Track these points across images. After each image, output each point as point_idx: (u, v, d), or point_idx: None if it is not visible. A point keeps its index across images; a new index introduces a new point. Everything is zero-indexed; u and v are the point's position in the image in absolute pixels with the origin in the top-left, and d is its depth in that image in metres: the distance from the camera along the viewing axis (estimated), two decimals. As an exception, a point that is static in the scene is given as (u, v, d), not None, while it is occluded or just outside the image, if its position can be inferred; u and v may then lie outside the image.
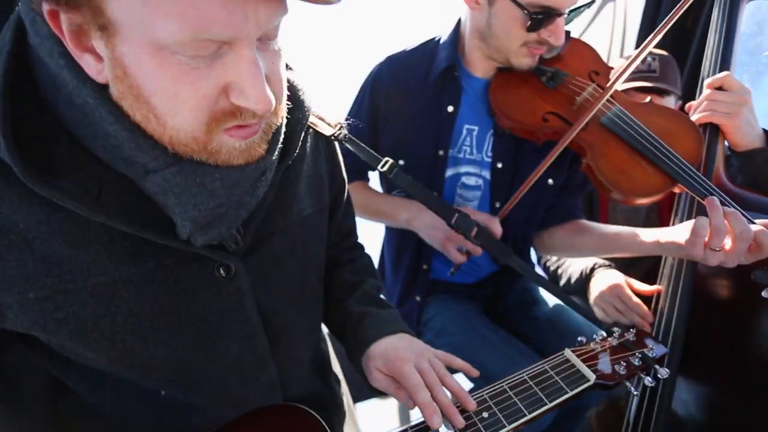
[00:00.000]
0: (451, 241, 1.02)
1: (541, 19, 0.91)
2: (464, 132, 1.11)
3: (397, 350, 0.68)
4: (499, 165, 1.10)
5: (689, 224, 0.84)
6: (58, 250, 0.49)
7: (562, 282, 1.28)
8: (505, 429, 0.61)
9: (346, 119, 1.20)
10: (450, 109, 1.08)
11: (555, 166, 0.99)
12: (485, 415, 0.63)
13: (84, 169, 0.48)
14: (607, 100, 0.98)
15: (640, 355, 0.70)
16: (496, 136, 1.09)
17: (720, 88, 0.97)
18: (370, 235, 1.24)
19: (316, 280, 0.74)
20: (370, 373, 0.70)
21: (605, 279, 1.13)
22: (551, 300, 1.24)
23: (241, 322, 0.61)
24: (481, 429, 0.61)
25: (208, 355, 0.60)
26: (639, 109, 1.00)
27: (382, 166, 0.79)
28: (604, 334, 0.75)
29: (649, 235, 0.95)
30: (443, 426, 0.60)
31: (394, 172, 0.79)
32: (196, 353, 0.59)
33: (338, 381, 0.88)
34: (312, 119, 0.71)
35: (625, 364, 0.69)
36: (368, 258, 0.92)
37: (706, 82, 0.98)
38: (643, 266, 1.16)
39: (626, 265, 1.18)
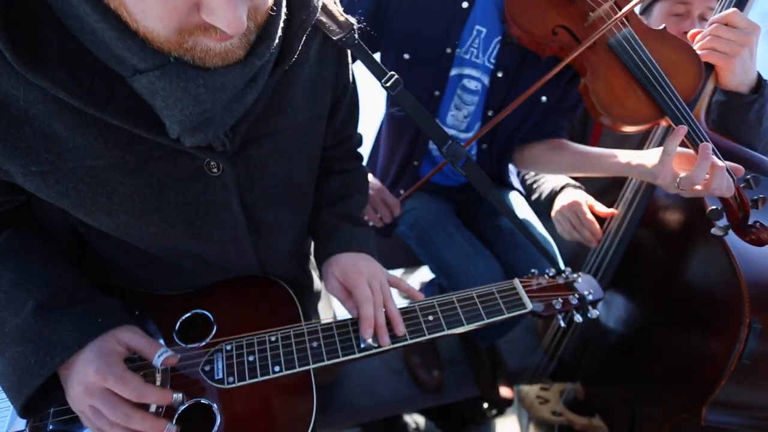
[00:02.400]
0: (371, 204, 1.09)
1: None
2: (474, 32, 1.05)
3: (355, 265, 0.75)
4: (500, 74, 1.07)
5: (659, 151, 0.88)
6: (57, 130, 0.50)
7: (534, 197, 1.35)
8: (444, 332, 0.73)
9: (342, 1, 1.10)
10: (465, 5, 1.01)
11: (551, 84, 0.98)
12: (430, 318, 0.74)
13: (75, 59, 0.47)
14: (620, 22, 0.93)
15: (578, 296, 0.80)
16: (503, 44, 1.04)
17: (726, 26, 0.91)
18: (366, 125, 1.24)
19: (305, 182, 0.77)
20: (327, 278, 0.78)
21: (569, 196, 1.21)
22: (521, 211, 1.32)
23: (225, 214, 0.66)
24: (424, 329, 0.73)
25: (194, 238, 0.66)
26: (650, 35, 0.96)
27: (386, 81, 0.76)
28: (555, 272, 0.84)
29: (622, 156, 0.99)
30: (371, 339, 0.70)
31: (397, 90, 0.77)
32: (183, 236, 0.65)
33: (311, 262, 0.97)
34: (320, 18, 0.66)
35: (562, 301, 0.79)
36: (362, 172, 0.93)
37: (712, 17, 0.93)
38: (610, 198, 1.23)
39: (595, 195, 1.24)
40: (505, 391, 1.58)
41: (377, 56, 1.16)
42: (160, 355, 0.60)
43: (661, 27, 0.98)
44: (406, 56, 1.08)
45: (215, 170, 0.61)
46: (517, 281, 0.80)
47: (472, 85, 1.11)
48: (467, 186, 1.35)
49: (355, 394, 1.55)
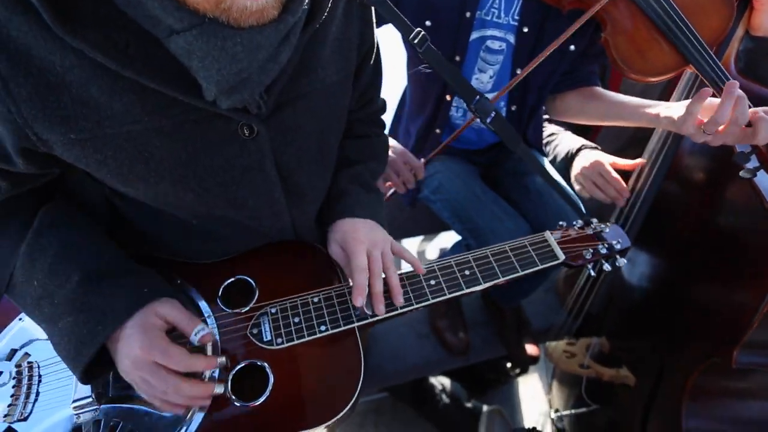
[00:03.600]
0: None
1: None
2: None
3: (357, 231, 0.75)
4: (525, 29, 1.06)
5: (685, 103, 0.87)
6: (95, 96, 0.51)
7: (549, 158, 1.34)
8: (481, 286, 0.75)
9: None
10: None
11: (578, 33, 0.96)
12: (467, 272, 0.76)
13: (110, 20, 0.47)
14: None
15: (607, 245, 0.81)
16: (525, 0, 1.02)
17: None
18: (390, 89, 1.23)
19: (334, 143, 0.78)
20: (329, 243, 0.78)
21: (588, 157, 1.21)
22: (551, 172, 1.31)
23: (261, 178, 0.67)
24: (462, 283, 0.75)
25: (230, 204, 0.67)
26: None
27: (414, 38, 0.76)
28: (582, 223, 0.85)
29: (650, 107, 0.98)
30: (366, 307, 0.70)
31: (424, 47, 0.76)
32: (219, 201, 0.66)
33: None
34: None
35: (592, 251, 0.80)
36: (382, 139, 0.93)
37: None
38: (630, 156, 1.22)
39: (614, 152, 1.24)
40: (531, 349, 1.62)
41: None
42: (197, 333, 0.62)
43: None
44: (428, 23, 1.06)
45: (248, 133, 0.61)
46: (548, 233, 0.81)
47: (495, 45, 1.10)
48: (491, 147, 1.34)
49: (384, 359, 1.60)
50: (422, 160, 1.28)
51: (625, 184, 1.14)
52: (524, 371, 1.85)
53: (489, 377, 1.88)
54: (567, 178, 1.28)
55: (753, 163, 0.86)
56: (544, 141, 1.40)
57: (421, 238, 2.07)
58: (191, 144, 0.59)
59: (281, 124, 0.65)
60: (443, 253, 1.99)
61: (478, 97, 0.82)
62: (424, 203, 1.36)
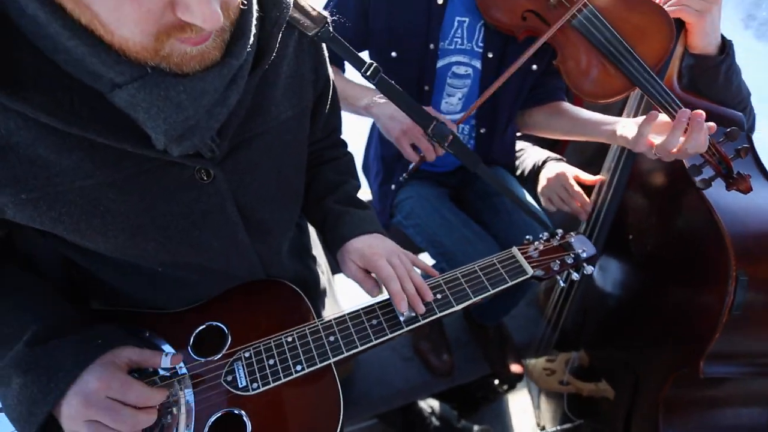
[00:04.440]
0: (407, 135, 1.04)
1: None
2: (455, 24, 1.08)
3: (372, 247, 0.77)
4: (490, 55, 1.10)
5: (640, 119, 0.91)
6: (42, 155, 0.50)
7: (518, 172, 1.38)
8: (454, 308, 0.75)
9: (329, 4, 1.11)
10: (440, 1, 1.04)
11: (538, 54, 1.01)
12: (439, 296, 0.76)
13: (52, 80, 0.47)
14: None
15: (573, 255, 0.83)
16: (487, 27, 1.07)
17: None
18: (358, 126, 1.25)
19: (295, 178, 0.78)
20: (345, 263, 0.80)
21: (553, 169, 1.25)
22: (519, 191, 1.34)
23: (222, 220, 0.66)
24: (435, 307, 0.75)
25: (194, 248, 0.66)
26: (616, 3, 0.97)
27: (366, 71, 0.78)
28: (548, 235, 0.87)
29: (609, 124, 1.02)
30: (407, 311, 0.72)
31: (377, 78, 0.79)
32: (182, 247, 0.65)
33: (315, 260, 0.99)
34: (294, 15, 0.67)
35: (559, 262, 0.82)
36: (351, 157, 0.95)
37: None
38: (598, 167, 1.27)
39: (583, 164, 1.28)
40: (515, 367, 1.62)
41: (365, 54, 1.17)
42: (167, 355, 0.62)
43: None
44: (393, 54, 1.10)
45: (206, 177, 0.61)
46: (515, 249, 0.82)
47: (461, 70, 1.14)
48: (458, 170, 1.37)
49: (369, 386, 1.57)
50: (392, 189, 1.29)
51: (587, 198, 1.18)
52: (512, 387, 1.84)
53: (478, 395, 1.87)
54: (536, 192, 1.31)
55: (708, 172, 0.90)
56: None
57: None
58: (148, 194, 0.58)
59: (238, 165, 0.65)
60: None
61: (434, 122, 0.84)
62: (398, 228, 1.37)
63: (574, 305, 1.32)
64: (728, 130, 0.83)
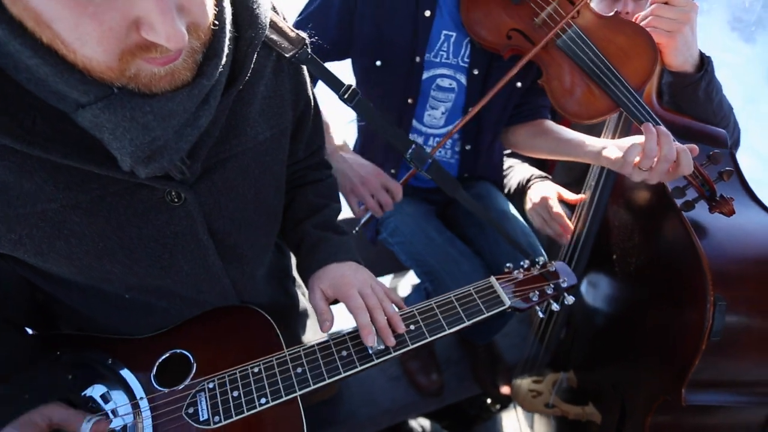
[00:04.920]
0: (354, 194, 1.07)
1: None
2: (442, 37, 1.06)
3: (344, 276, 0.75)
4: (476, 71, 1.09)
5: (625, 141, 0.91)
6: (2, 177, 0.49)
7: (504, 191, 1.36)
8: (427, 340, 0.73)
9: (304, 14, 1.10)
10: (427, 13, 1.02)
11: (523, 71, 0.99)
12: (412, 327, 0.74)
13: (13, 99, 0.46)
14: (566, 21, 0.95)
15: (553, 285, 0.80)
16: (473, 44, 1.06)
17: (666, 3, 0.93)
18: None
19: (274, 200, 0.76)
20: (312, 290, 0.77)
21: (539, 190, 1.23)
22: (504, 206, 1.32)
23: (193, 244, 0.64)
24: (407, 339, 0.73)
25: (163, 272, 0.65)
26: (600, 24, 0.96)
27: (343, 93, 0.77)
28: (529, 263, 0.84)
29: (592, 145, 1.00)
30: (376, 342, 0.70)
31: (355, 101, 0.77)
32: (151, 270, 0.63)
33: (295, 282, 0.97)
34: (271, 36, 0.66)
35: (539, 292, 0.79)
36: (334, 180, 0.94)
37: None
38: (577, 188, 1.24)
39: (562, 185, 1.26)
40: (506, 388, 1.59)
41: (346, 64, 1.17)
42: (89, 420, 0.59)
43: (612, 13, 0.98)
44: (378, 63, 1.09)
45: (177, 200, 0.60)
46: (493, 279, 0.80)
47: (446, 83, 1.12)
48: None
49: (357, 406, 1.54)
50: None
51: (568, 221, 1.16)
52: (504, 407, 1.81)
53: (470, 414, 1.84)
54: (523, 209, 1.29)
55: (691, 194, 0.88)
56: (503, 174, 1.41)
57: (390, 276, 2.04)
58: (114, 217, 0.57)
59: (211, 188, 0.63)
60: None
61: (413, 146, 0.83)
62: (385, 245, 1.35)
63: (559, 322, 1.29)
64: (711, 152, 0.81)
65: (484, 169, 1.28)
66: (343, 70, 1.19)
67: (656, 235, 0.99)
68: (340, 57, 1.16)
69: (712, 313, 0.81)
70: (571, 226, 1.15)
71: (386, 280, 2.03)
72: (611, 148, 0.94)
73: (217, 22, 0.51)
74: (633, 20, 0.97)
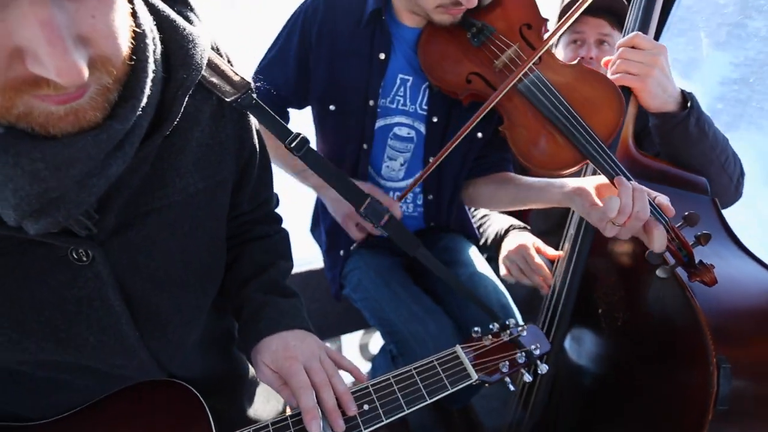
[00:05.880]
0: (352, 219, 1.02)
1: None
2: (398, 81, 1.03)
3: (287, 348, 0.66)
4: (435, 119, 1.05)
5: (595, 180, 0.86)
6: None
7: (481, 242, 1.30)
8: (382, 423, 0.63)
9: (265, 60, 1.07)
10: (382, 56, 1.00)
11: (484, 121, 0.95)
12: (366, 407, 0.64)
13: None
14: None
15: (525, 353, 0.72)
16: (431, 90, 1.03)
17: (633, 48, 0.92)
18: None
19: (207, 258, 0.67)
20: (257, 366, 0.68)
21: (515, 239, 1.16)
22: (475, 261, 1.25)
23: (102, 311, 0.55)
24: (360, 423, 0.62)
25: (62, 345, 0.54)
26: (563, 72, 0.94)
27: (290, 142, 0.70)
28: (498, 328, 0.77)
29: (563, 184, 0.93)
30: (321, 428, 0.59)
31: (303, 150, 0.71)
32: (47, 344, 0.53)
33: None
34: (211, 79, 0.60)
35: (509, 362, 0.71)
36: (284, 235, 0.85)
37: (619, 42, 0.93)
38: (557, 237, 1.19)
39: (540, 234, 1.20)
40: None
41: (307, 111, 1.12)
42: None
43: (575, 62, 0.97)
44: (332, 107, 1.05)
45: (85, 258, 0.51)
46: (459, 348, 0.71)
47: (404, 132, 1.08)
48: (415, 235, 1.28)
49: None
50: (341, 254, 1.20)
51: (548, 271, 1.09)
52: (483, 477, 1.65)
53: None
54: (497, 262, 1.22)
55: (670, 260, 0.81)
56: (476, 224, 1.35)
57: (361, 332, 1.92)
58: (2, 278, 0.48)
59: (127, 245, 0.55)
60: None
61: (368, 200, 0.76)
62: (349, 301, 1.26)
63: (544, 385, 1.19)
64: (687, 213, 0.76)
65: (449, 218, 1.22)
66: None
67: (643, 287, 0.91)
68: (300, 104, 1.13)
69: (716, 378, 0.72)
70: (551, 276, 1.08)
71: (356, 336, 1.91)
72: (584, 183, 0.87)
73: (134, 57, 0.45)
74: (599, 67, 0.95)
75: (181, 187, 0.59)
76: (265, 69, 1.09)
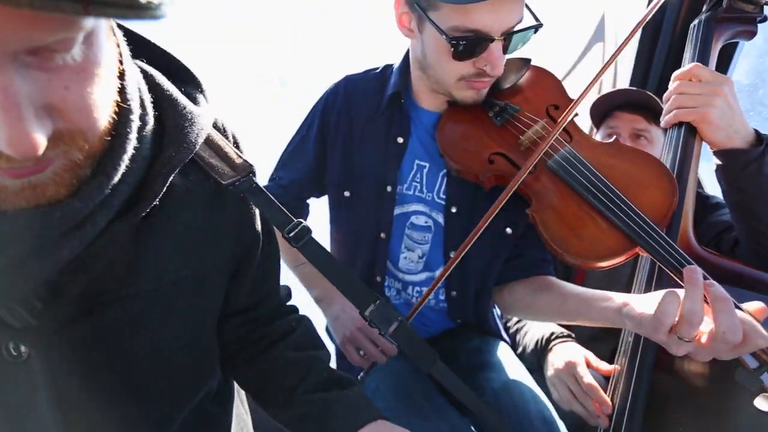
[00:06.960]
0: (352, 342, 0.91)
1: (467, 45, 0.79)
2: (414, 167, 0.99)
3: None
4: (454, 209, 0.97)
5: (658, 297, 0.65)
6: None
7: (519, 351, 1.13)
8: None
9: (287, 151, 1.07)
10: (400, 140, 0.97)
11: (511, 213, 0.86)
12: None
13: None
14: (557, 140, 0.84)
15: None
16: (450, 177, 0.97)
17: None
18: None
19: (183, 360, 0.59)
20: None
21: (563, 354, 0.97)
22: (510, 366, 1.07)
23: (29, 421, 0.46)
24: None
25: None
26: (598, 150, 0.85)
27: (290, 231, 0.64)
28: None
29: (612, 298, 0.77)
30: None
31: (303, 241, 0.64)
32: None
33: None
34: (210, 160, 0.57)
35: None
36: (307, 324, 0.77)
37: (674, 75, 0.85)
38: (609, 342, 1.01)
39: (590, 339, 1.03)
40: None
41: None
42: None
43: (612, 139, 0.89)
44: (347, 194, 1.01)
45: (15, 354, 0.44)
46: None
47: (421, 221, 1.01)
48: (438, 338, 1.14)
49: None
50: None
51: (604, 395, 0.86)
52: None
53: None
54: (542, 374, 1.02)
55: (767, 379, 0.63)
56: (513, 328, 1.19)
57: None
58: None
59: (79, 340, 0.48)
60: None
61: (377, 302, 0.66)
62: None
63: None
64: None
65: (478, 315, 1.08)
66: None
67: (735, 422, 0.72)
68: (319, 190, 1.11)
69: None
70: (609, 402, 0.85)
71: None
72: (642, 303, 0.70)
73: (114, 132, 0.42)
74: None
75: (157, 275, 0.53)
76: (287, 159, 1.10)
